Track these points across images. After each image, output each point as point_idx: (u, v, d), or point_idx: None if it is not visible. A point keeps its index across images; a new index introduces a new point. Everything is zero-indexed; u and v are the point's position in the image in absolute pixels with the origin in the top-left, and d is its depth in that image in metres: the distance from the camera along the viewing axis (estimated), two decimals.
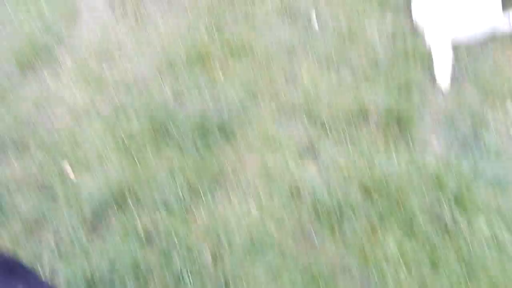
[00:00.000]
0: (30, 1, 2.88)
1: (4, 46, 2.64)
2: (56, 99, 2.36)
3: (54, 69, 2.50)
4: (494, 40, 2.37)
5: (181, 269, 1.72)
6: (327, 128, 2.11)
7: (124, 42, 2.58)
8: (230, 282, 1.69)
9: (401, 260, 1.70)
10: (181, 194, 1.91)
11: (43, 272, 1.74)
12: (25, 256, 1.78)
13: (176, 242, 1.79)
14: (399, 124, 2.10)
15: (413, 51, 2.32)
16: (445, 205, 1.82)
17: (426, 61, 2.29)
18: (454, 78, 2.25)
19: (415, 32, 2.45)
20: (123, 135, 2.11)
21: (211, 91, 2.29)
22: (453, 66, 2.25)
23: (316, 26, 2.53)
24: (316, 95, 2.22)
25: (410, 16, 2.51)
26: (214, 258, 1.76)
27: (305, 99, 2.22)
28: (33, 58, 2.52)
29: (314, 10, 2.60)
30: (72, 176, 1.98)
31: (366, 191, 1.89)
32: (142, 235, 1.82)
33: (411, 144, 2.03)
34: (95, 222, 1.88)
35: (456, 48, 2.31)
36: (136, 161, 2.01)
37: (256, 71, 2.35)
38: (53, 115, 2.29)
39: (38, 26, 2.71)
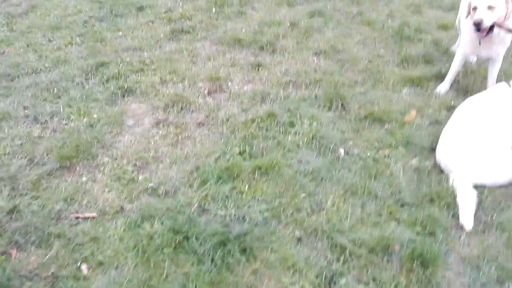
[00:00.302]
0: (81, 101, 3.27)
1: (49, 138, 2.89)
2: (87, 195, 2.45)
3: (91, 168, 2.67)
4: None
5: None
6: (348, 260, 2.04)
7: (161, 154, 2.78)
8: None
9: None
10: None
11: None
12: None
13: None
14: (422, 264, 2.01)
15: (437, 190, 2.37)
16: None
17: (451, 200, 2.31)
18: (479, 221, 2.23)
19: (439, 171, 2.54)
20: (143, 237, 2.11)
21: (235, 202, 2.35)
22: (477, 209, 2.26)
23: (343, 158, 2.67)
24: (340, 224, 2.22)
25: (435, 156, 2.64)
26: None
27: (328, 227, 2.21)
28: (74, 153, 2.72)
29: (342, 146, 2.78)
30: (85, 271, 1.93)
31: None
32: None
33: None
34: None
35: (480, 191, 2.36)
36: (152, 264, 1.96)
37: (282, 191, 2.42)
38: (81, 211, 2.35)
39: (84, 125, 3.00)
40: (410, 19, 4.53)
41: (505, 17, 2.80)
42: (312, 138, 2.82)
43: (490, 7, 2.78)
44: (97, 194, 2.47)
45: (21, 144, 2.84)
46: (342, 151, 2.73)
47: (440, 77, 3.42)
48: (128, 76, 3.59)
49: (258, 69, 3.72)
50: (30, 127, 3.02)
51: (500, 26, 2.82)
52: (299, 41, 4.17)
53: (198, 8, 4.86)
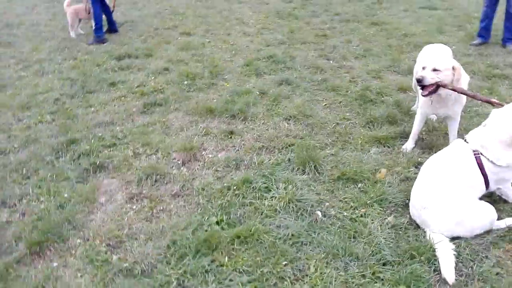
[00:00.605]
0: (51, 181, 3.19)
1: (18, 223, 2.77)
2: (58, 283, 2.31)
3: (62, 252, 2.55)
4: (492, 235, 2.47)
5: None
6: None
7: (136, 230, 2.70)
8: None
9: None
10: None
11: None
12: None
13: None
14: None
15: (416, 246, 2.37)
16: None
17: (430, 255, 2.31)
18: (460, 274, 2.23)
19: (416, 226, 2.57)
20: None
21: (216, 276, 2.26)
22: (457, 261, 2.27)
23: (321, 220, 2.67)
24: None
25: (409, 212, 2.68)
26: None
27: None
28: (44, 238, 2.60)
29: (319, 207, 2.79)
30: None
31: None
32: None
33: None
34: None
35: (457, 243, 2.38)
36: None
37: (263, 260, 2.36)
38: None
39: (54, 206, 2.90)
40: (371, 84, 4.85)
41: (453, 80, 3.03)
42: (289, 202, 2.83)
43: (435, 70, 3.03)
44: (69, 280, 2.33)
45: None
46: (319, 213, 2.73)
47: (405, 136, 3.59)
48: (100, 151, 3.57)
49: (231, 137, 3.80)
50: None
51: (444, 86, 3.04)
52: (269, 108, 4.34)
53: (170, 81, 5.03)
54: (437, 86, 3.05)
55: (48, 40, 6.56)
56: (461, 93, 3.10)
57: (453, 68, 3.01)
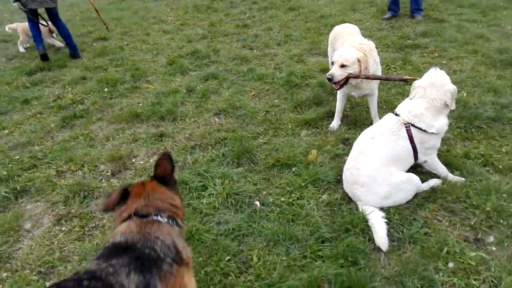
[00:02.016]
0: None
1: None
2: None
3: None
4: (418, 198, 2.65)
5: None
6: None
7: (68, 252, 2.54)
8: None
9: None
10: None
11: None
12: None
13: None
14: None
15: (350, 219, 2.49)
16: None
17: (364, 226, 2.44)
18: (393, 239, 2.37)
19: (348, 201, 2.69)
20: None
21: None
22: (388, 228, 2.41)
23: (260, 209, 2.69)
24: (270, 278, 2.19)
25: (341, 188, 2.80)
26: None
27: (258, 284, 2.16)
28: None
29: (257, 197, 2.81)
30: None
31: None
32: None
33: None
34: None
35: (387, 210, 2.53)
36: None
37: (206, 259, 2.33)
38: None
39: None
40: (295, 68, 4.96)
41: (361, 70, 3.19)
42: (227, 197, 2.81)
43: (343, 66, 3.18)
44: None
45: None
46: (257, 203, 2.76)
47: (331, 115, 3.73)
48: (20, 175, 3.29)
49: (161, 140, 3.69)
50: None
51: (355, 77, 3.20)
52: (198, 105, 4.28)
53: (89, 90, 4.75)
54: (347, 78, 3.21)
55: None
56: (374, 79, 3.28)
57: (359, 60, 3.16)
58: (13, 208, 2.97)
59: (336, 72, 3.18)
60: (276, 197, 2.80)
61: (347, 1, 7.82)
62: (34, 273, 2.40)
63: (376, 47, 3.52)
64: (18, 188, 3.12)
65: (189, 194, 2.91)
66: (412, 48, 5.32)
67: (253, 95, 4.43)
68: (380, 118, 3.50)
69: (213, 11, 8.09)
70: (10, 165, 3.44)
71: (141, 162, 3.39)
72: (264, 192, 2.86)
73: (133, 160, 3.42)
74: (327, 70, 4.78)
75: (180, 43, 6.34)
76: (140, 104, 4.38)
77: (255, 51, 5.81)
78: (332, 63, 3.25)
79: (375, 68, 3.39)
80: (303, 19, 7.15)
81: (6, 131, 4.07)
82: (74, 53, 6.03)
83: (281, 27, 6.77)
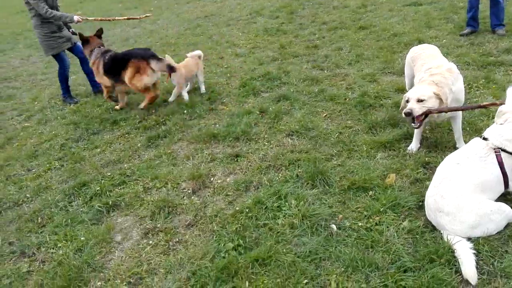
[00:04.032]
0: (66, 226, 3.23)
1: (38, 271, 2.80)
2: None
3: None
4: (509, 228, 2.45)
5: None
6: None
7: (155, 265, 2.72)
8: None
9: None
10: None
11: None
12: None
13: None
14: None
15: (434, 249, 2.37)
16: None
17: (450, 257, 2.31)
18: (482, 272, 2.22)
19: (432, 229, 2.57)
20: None
21: None
22: (477, 260, 2.25)
23: (336, 233, 2.67)
24: None
25: (423, 214, 2.68)
26: None
27: None
28: (65, 283, 2.62)
29: (333, 220, 2.80)
30: None
31: None
32: None
33: None
34: None
35: (476, 241, 2.37)
36: None
37: (283, 281, 2.36)
38: None
39: (72, 251, 2.93)
40: (368, 88, 4.89)
41: (439, 104, 3.06)
42: (303, 218, 2.84)
43: (420, 100, 3.08)
44: None
45: (10, 283, 2.74)
46: (334, 226, 2.74)
47: (409, 137, 3.61)
48: (111, 191, 3.62)
49: (237, 160, 3.84)
50: (18, 262, 2.94)
51: (432, 112, 3.08)
52: (271, 125, 4.39)
53: (171, 112, 5.10)
54: (426, 114, 3.11)
55: (46, 87, 6.68)
56: (452, 110, 3.14)
57: (435, 94, 3.05)
58: (105, 221, 3.26)
59: (415, 106, 3.07)
60: (353, 221, 2.77)
61: (422, 18, 7.55)
62: (124, 283, 2.61)
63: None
64: (110, 202, 3.43)
65: (265, 214, 2.99)
66: (495, 65, 4.98)
67: (325, 116, 4.44)
68: (463, 141, 3.33)
69: (283, 33, 8.29)
70: (102, 181, 3.80)
71: (219, 181, 3.55)
72: (340, 216, 2.84)
73: (211, 178, 3.60)
74: (403, 89, 4.69)
75: (252, 65, 6.58)
76: (216, 125, 4.61)
77: (325, 71, 5.83)
78: (407, 101, 3.16)
79: (456, 95, 3.24)
80: (375, 37, 7.03)
81: (99, 149, 4.51)
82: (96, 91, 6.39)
83: (351, 46, 6.73)
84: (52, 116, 5.73)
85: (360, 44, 6.78)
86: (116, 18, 6.93)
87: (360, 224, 2.72)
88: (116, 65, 5.14)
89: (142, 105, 5.32)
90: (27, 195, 3.80)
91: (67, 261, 2.81)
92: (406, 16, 7.97)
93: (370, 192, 3.01)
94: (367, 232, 2.63)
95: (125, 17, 6.93)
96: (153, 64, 5.01)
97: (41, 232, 3.24)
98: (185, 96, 5.47)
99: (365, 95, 4.68)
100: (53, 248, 3.02)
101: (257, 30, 8.81)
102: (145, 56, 5.01)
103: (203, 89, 5.70)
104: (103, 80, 5.46)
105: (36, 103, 6.41)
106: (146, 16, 6.74)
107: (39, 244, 3.10)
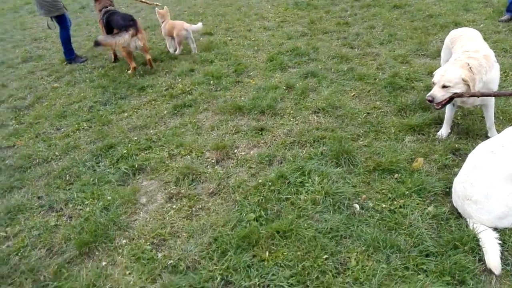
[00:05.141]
0: (94, 185, 3.33)
1: (66, 226, 2.92)
2: (109, 280, 2.43)
3: (110, 251, 2.67)
4: None
5: None
6: None
7: (178, 228, 2.79)
8: None
9: None
10: None
11: None
12: None
13: None
14: None
15: (459, 236, 2.35)
16: None
17: (474, 245, 2.29)
18: (507, 263, 2.19)
19: (457, 216, 2.54)
20: None
21: (258, 271, 2.32)
22: (502, 250, 2.23)
23: (359, 213, 2.67)
24: (368, 283, 2.18)
25: (450, 201, 2.64)
26: None
27: (356, 287, 2.17)
28: (92, 238, 2.72)
29: (356, 200, 2.80)
30: None
31: None
32: None
33: None
34: None
35: (502, 232, 2.33)
36: None
37: (303, 254, 2.40)
38: None
39: (99, 209, 3.03)
40: (400, 70, 4.76)
41: (466, 89, 2.95)
42: (325, 195, 2.84)
43: (444, 86, 2.97)
44: (118, 277, 2.44)
45: (39, 235, 2.86)
46: (357, 205, 2.74)
47: (439, 122, 3.52)
48: (137, 155, 3.69)
49: (261, 133, 3.84)
50: (46, 216, 3.05)
51: (460, 96, 2.97)
52: (297, 102, 4.34)
53: (197, 82, 5.10)
54: (451, 98, 3.01)
55: (75, 50, 6.74)
56: (480, 96, 3.00)
57: (463, 80, 2.93)
58: (131, 183, 3.34)
59: (438, 94, 2.99)
60: (376, 202, 2.75)
61: (459, 0, 7.22)
62: (148, 243, 2.69)
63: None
64: (136, 166, 3.50)
65: (287, 188, 3.00)
66: None
67: (353, 95, 4.36)
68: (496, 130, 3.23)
69: (313, 8, 8.07)
70: (129, 144, 3.87)
71: (243, 153, 3.57)
72: (364, 196, 2.83)
73: (235, 150, 3.62)
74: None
75: (280, 40, 6.46)
76: (242, 98, 4.59)
77: (356, 50, 5.69)
78: (433, 83, 3.06)
79: (487, 85, 3.11)
80: (409, 17, 6.78)
81: (126, 114, 4.57)
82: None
83: (384, 25, 6.52)
84: (81, 78, 5.81)
85: (393, 24, 6.55)
86: None
87: (383, 205, 2.71)
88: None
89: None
90: (56, 153, 3.91)
91: (94, 218, 2.91)
92: None
93: (396, 175, 2.98)
94: (390, 214, 2.62)
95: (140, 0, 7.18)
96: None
97: (68, 189, 3.35)
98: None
99: (396, 76, 4.55)
100: (80, 205, 3.13)
101: (287, 4, 8.61)
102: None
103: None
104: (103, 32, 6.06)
105: (65, 64, 6.49)
106: (157, 4, 6.80)
107: (67, 200, 3.21)
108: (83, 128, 4.35)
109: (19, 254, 2.71)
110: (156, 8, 6.48)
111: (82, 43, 7.60)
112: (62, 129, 4.42)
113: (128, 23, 5.44)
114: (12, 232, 2.94)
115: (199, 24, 6.32)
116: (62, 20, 6.26)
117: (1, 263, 2.64)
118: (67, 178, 3.48)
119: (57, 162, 3.77)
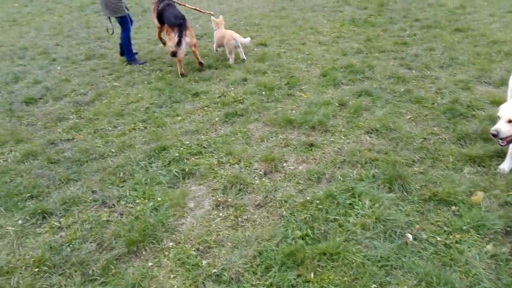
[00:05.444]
0: (145, 185, 3.42)
1: (117, 222, 3.01)
2: (153, 282, 2.48)
3: (156, 252, 2.72)
4: None
5: None
6: None
7: (223, 237, 2.81)
8: None
9: None
10: None
11: None
12: None
13: None
14: None
15: None
16: None
17: None
18: None
19: None
20: None
21: None
22: None
23: (411, 243, 2.56)
24: None
25: (511, 241, 2.48)
26: None
27: None
28: (140, 237, 2.80)
29: (409, 230, 2.69)
30: None
31: None
32: None
33: None
34: None
35: None
36: None
37: (350, 281, 2.33)
38: None
39: (149, 209, 3.11)
40: (460, 96, 4.56)
41: None
42: (376, 221, 2.76)
43: (511, 121, 2.83)
44: (163, 280, 2.49)
45: (91, 228, 2.98)
46: (410, 235, 2.63)
47: (501, 156, 3.32)
48: (188, 159, 3.77)
49: (311, 149, 3.80)
50: (99, 211, 3.18)
51: None
52: (349, 120, 4.27)
53: (249, 92, 5.16)
54: None
55: (135, 52, 7.06)
56: None
57: None
58: (181, 187, 3.42)
59: (503, 128, 2.87)
60: (430, 234, 2.63)
61: None
62: (193, 249, 2.73)
63: None
64: (186, 169, 3.58)
65: (336, 209, 2.94)
66: None
67: (409, 118, 4.23)
68: None
69: (371, 26, 7.95)
70: (181, 148, 3.97)
71: (291, 167, 3.55)
72: (417, 226, 2.71)
73: (284, 164, 3.61)
74: (500, 102, 4.29)
75: (335, 55, 6.41)
76: (293, 111, 4.58)
77: (413, 71, 5.52)
78: (498, 117, 2.92)
79: None
80: (472, 42, 6.50)
81: (179, 118, 4.70)
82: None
83: (445, 48, 6.29)
84: (139, 79, 6.06)
85: (454, 47, 6.31)
86: (187, 5, 7.29)
87: (438, 238, 2.58)
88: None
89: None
90: (112, 149, 4.08)
91: (144, 218, 3.00)
92: (508, 23, 7.27)
93: (453, 207, 2.84)
94: (445, 249, 2.49)
95: (194, 7, 7.40)
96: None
97: (122, 186, 3.48)
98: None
99: (456, 102, 4.37)
100: (131, 203, 3.23)
101: (343, 19, 8.55)
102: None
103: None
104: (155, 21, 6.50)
105: (125, 64, 6.81)
106: (210, 13, 7.03)
107: (119, 197, 3.33)
108: (138, 128, 4.52)
109: (71, 246, 2.82)
110: (212, 17, 6.68)
111: (142, 45, 7.93)
112: (119, 127, 4.61)
113: (179, 22, 5.76)
114: (65, 223, 3.07)
115: (248, 39, 6.44)
116: (124, 21, 6.60)
117: (54, 252, 2.76)
118: (121, 175, 3.62)
119: (113, 158, 3.94)
